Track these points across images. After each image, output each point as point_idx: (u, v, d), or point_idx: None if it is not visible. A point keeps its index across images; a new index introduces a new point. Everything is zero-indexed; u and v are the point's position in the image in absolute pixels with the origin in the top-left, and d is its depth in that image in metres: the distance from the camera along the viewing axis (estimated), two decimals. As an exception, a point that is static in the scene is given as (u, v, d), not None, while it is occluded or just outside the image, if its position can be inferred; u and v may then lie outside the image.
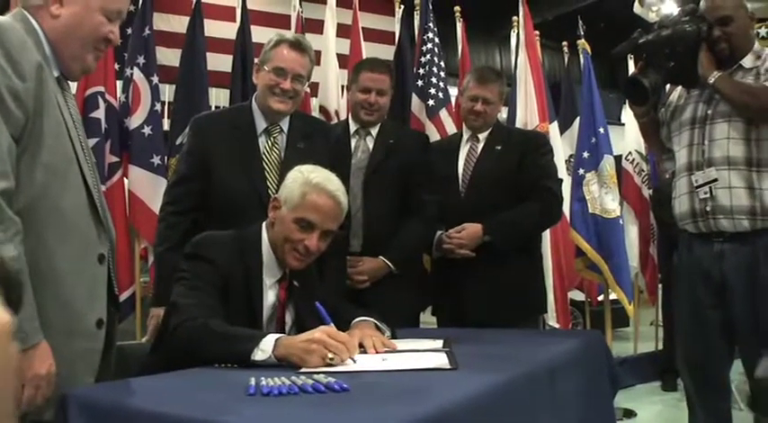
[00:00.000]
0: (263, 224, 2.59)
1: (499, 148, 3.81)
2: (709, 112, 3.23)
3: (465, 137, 3.92)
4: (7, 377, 0.66)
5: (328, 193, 2.52)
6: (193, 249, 2.48)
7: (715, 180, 3.15)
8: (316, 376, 1.75)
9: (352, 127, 3.79)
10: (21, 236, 1.79)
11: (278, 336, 2.09)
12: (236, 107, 3.72)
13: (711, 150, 3.18)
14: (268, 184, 3.10)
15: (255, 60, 3.34)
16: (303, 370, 1.92)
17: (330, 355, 2.00)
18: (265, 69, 3.17)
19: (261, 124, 3.23)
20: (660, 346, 6.64)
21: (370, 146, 3.72)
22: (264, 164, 3.17)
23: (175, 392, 1.73)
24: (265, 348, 2.05)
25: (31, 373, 1.79)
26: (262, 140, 3.21)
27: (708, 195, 3.16)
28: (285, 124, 3.25)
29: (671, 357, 4.99)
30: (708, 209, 3.16)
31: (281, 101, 3.16)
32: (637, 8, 3.52)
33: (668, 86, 3.52)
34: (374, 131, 3.75)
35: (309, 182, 2.53)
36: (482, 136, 3.85)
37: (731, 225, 3.12)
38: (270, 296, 2.51)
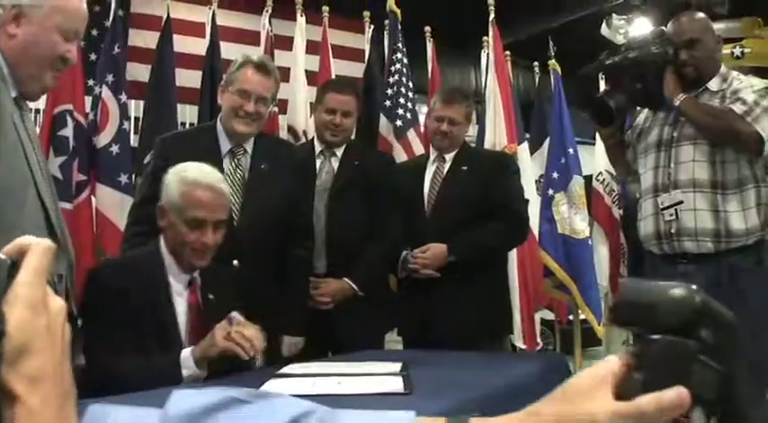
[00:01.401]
0: (160, 235, 2.61)
1: (465, 168, 3.84)
2: (675, 134, 3.27)
3: (432, 157, 3.94)
4: (65, 356, 0.73)
5: (206, 186, 2.56)
6: (92, 285, 2.48)
7: (680, 202, 3.19)
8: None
9: (318, 147, 3.80)
10: None
11: (189, 349, 2.36)
12: (200, 128, 3.78)
13: (677, 173, 3.22)
14: (231, 205, 3.05)
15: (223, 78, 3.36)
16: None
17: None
18: (230, 91, 3.23)
19: (225, 145, 3.28)
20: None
21: (335, 167, 3.73)
22: (228, 185, 3.12)
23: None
24: (188, 364, 2.33)
25: None
26: (226, 162, 3.24)
27: (673, 217, 3.19)
28: (249, 146, 3.30)
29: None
30: (672, 231, 3.20)
31: (245, 123, 3.22)
32: (604, 30, 3.54)
33: (637, 109, 3.55)
34: (339, 152, 3.77)
35: (185, 180, 2.57)
36: (448, 157, 3.88)
37: (695, 246, 3.15)
38: (181, 303, 2.53)
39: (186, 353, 2.36)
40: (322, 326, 3.47)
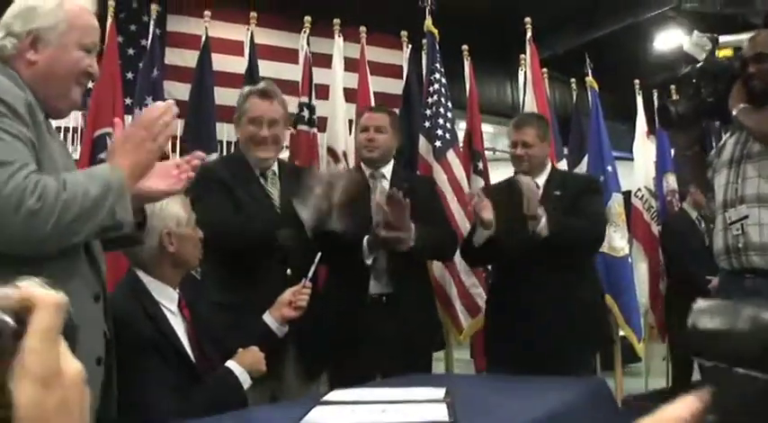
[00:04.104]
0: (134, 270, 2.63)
1: (558, 193, 3.95)
2: (745, 151, 3.27)
3: None
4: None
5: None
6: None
7: (746, 217, 3.19)
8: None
9: (366, 171, 3.90)
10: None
11: (230, 365, 2.60)
12: (228, 157, 3.97)
13: (744, 188, 3.23)
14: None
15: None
16: None
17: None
18: (243, 122, 3.38)
19: (256, 170, 3.42)
20: (671, 383, 6.61)
21: (387, 187, 3.79)
22: (270, 198, 3.40)
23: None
24: (244, 378, 2.58)
25: None
26: (262, 182, 3.41)
27: (739, 232, 3.20)
28: (276, 167, 3.47)
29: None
30: (740, 245, 3.20)
31: (264, 148, 3.38)
32: (687, 46, 3.60)
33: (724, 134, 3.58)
34: (388, 174, 3.88)
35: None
36: (540, 181, 3.98)
37: (762, 261, 3.14)
38: (179, 325, 2.57)
39: (238, 369, 2.60)
40: (369, 347, 3.53)
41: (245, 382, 2.61)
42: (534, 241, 3.68)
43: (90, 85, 4.56)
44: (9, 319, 0.64)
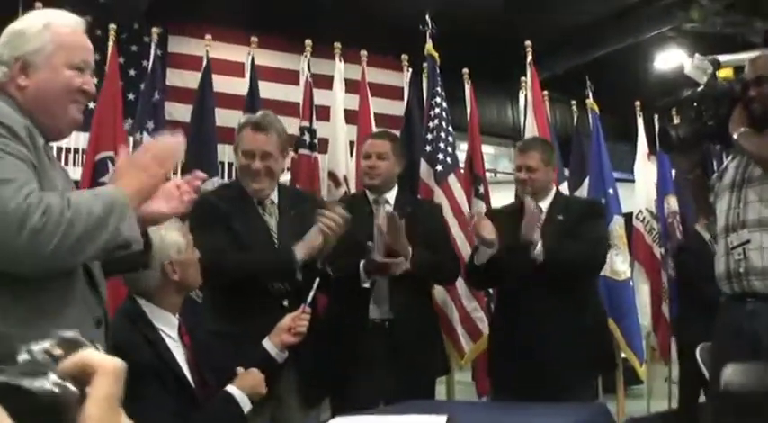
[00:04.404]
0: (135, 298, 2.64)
1: (561, 218, 3.97)
2: (746, 175, 3.28)
3: None
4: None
5: None
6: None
7: (747, 241, 3.20)
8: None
9: (370, 196, 3.94)
10: None
11: (230, 389, 2.63)
12: (225, 186, 3.99)
13: (745, 213, 3.24)
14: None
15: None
16: None
17: None
18: (238, 153, 3.42)
19: (254, 199, 3.44)
20: (674, 404, 6.59)
21: (389, 210, 3.81)
22: (268, 228, 3.40)
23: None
24: (244, 402, 2.63)
25: None
26: (260, 212, 3.43)
27: (741, 256, 3.21)
28: (275, 196, 3.48)
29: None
30: (741, 270, 3.21)
31: (257, 181, 3.39)
32: (687, 70, 3.62)
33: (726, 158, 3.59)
34: (391, 199, 3.91)
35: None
36: (544, 205, 4.00)
37: (763, 286, 3.15)
38: (179, 351, 2.59)
39: (238, 393, 2.64)
40: (371, 373, 3.55)
41: (246, 405, 2.63)
42: (533, 265, 3.71)
43: (91, 105, 4.66)
44: (74, 388, 0.65)
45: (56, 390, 0.64)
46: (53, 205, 1.81)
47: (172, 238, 2.62)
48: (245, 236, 3.32)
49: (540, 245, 3.69)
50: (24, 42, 2.08)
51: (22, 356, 0.66)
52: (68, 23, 2.18)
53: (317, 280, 3.10)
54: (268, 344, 2.97)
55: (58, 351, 0.67)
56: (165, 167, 2.07)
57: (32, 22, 2.13)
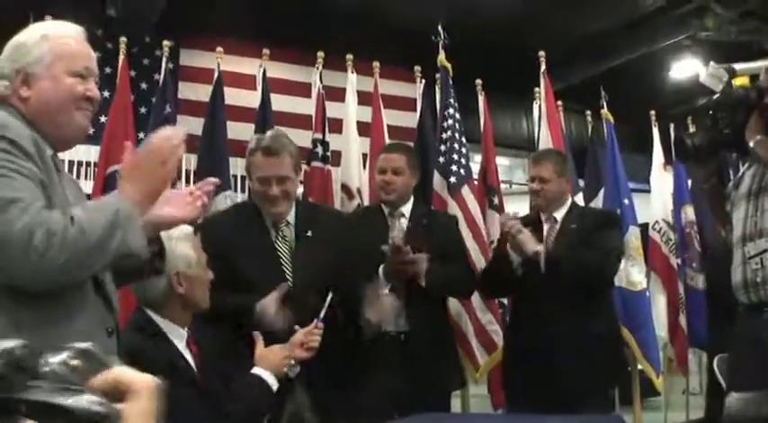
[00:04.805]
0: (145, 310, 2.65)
1: (574, 226, 4.03)
2: (763, 183, 3.27)
3: (543, 216, 4.16)
4: None
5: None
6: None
7: (765, 251, 3.18)
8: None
9: (385, 210, 3.97)
10: None
11: (257, 371, 2.74)
12: (240, 205, 3.95)
13: (763, 221, 3.22)
14: (286, 275, 3.29)
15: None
16: None
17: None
18: (253, 179, 3.39)
19: (268, 220, 3.40)
20: (691, 416, 6.57)
21: (405, 226, 3.87)
22: (279, 257, 3.35)
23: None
24: (271, 381, 2.74)
25: None
26: (272, 235, 3.39)
27: (759, 266, 3.18)
28: (291, 216, 3.42)
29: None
30: (758, 279, 3.19)
31: (276, 206, 3.34)
32: (703, 78, 3.60)
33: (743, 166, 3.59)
34: (407, 212, 3.94)
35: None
36: (558, 216, 4.08)
37: None
38: (191, 360, 2.61)
39: (262, 373, 2.76)
40: (385, 386, 3.55)
41: (273, 384, 2.75)
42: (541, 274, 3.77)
43: (103, 119, 4.69)
44: (108, 405, 0.64)
45: (98, 408, 0.64)
46: (56, 225, 1.83)
47: (182, 250, 2.62)
48: (251, 271, 3.25)
49: (542, 255, 3.74)
50: (24, 54, 2.11)
51: (42, 370, 0.66)
52: (67, 32, 2.20)
53: (330, 295, 3.09)
54: None
55: (75, 362, 0.67)
56: (168, 166, 2.07)
57: (31, 34, 2.16)
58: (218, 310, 2.81)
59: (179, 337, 2.61)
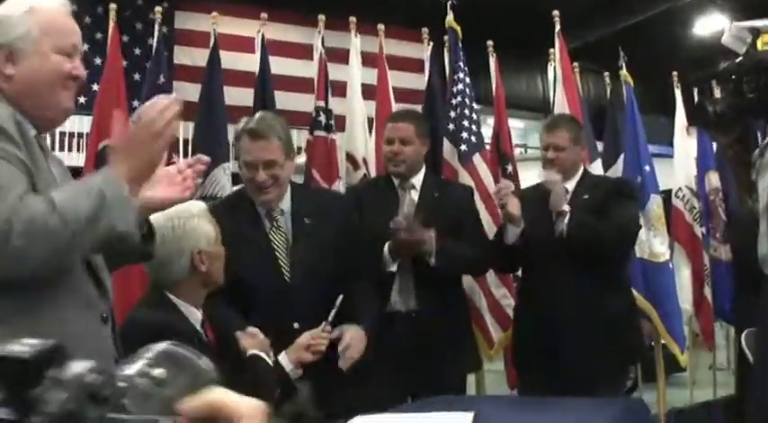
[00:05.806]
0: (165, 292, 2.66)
1: (586, 197, 3.98)
2: None
3: None
4: None
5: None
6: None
7: None
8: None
9: (395, 181, 3.91)
10: None
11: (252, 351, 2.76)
12: (234, 194, 3.82)
13: None
14: (282, 270, 3.22)
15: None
16: None
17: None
18: (241, 163, 3.32)
19: (261, 210, 3.32)
20: (719, 393, 6.54)
21: (416, 199, 3.82)
22: (274, 250, 3.27)
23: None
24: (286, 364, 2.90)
25: None
26: (266, 226, 3.30)
27: None
28: (286, 204, 3.33)
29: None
30: None
31: (263, 192, 3.25)
32: (725, 39, 3.50)
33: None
34: (417, 184, 3.88)
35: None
36: (570, 186, 4.02)
37: None
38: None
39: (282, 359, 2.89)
40: (397, 368, 3.55)
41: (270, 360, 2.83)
42: (557, 241, 3.74)
43: (95, 87, 4.63)
44: None
45: None
46: (37, 212, 1.80)
47: (204, 227, 2.64)
48: (244, 268, 3.10)
49: (567, 217, 3.70)
50: (8, 29, 2.06)
51: (120, 389, 0.61)
52: (53, 6, 2.15)
53: (340, 297, 3.04)
54: (284, 359, 2.96)
55: (158, 372, 0.63)
56: (161, 141, 2.02)
57: (15, 7, 2.10)
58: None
59: (195, 319, 2.64)
